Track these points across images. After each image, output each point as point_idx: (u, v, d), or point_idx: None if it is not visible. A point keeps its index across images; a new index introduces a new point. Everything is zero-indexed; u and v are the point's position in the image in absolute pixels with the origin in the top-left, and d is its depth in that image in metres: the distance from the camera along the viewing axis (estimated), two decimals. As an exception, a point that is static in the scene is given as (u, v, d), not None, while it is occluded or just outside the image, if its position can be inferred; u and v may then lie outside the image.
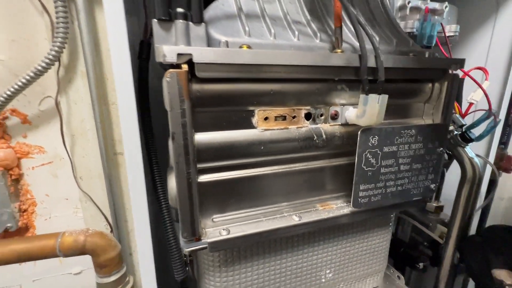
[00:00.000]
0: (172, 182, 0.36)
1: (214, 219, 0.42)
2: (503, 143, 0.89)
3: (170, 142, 0.33)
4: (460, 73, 0.54)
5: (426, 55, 0.47)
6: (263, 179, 0.44)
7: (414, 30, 0.57)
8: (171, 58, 0.31)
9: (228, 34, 0.37)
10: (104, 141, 0.71)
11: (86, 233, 0.60)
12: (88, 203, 0.87)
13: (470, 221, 0.61)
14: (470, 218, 0.61)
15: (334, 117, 0.45)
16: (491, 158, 0.77)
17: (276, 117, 0.42)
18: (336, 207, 0.49)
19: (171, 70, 0.31)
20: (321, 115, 0.45)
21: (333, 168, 0.49)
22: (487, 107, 0.54)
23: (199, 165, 0.39)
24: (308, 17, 0.44)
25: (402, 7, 0.56)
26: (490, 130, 0.52)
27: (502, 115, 0.73)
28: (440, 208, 0.77)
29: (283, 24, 0.42)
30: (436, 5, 0.60)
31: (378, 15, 0.51)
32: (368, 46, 0.40)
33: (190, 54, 0.31)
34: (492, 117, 0.51)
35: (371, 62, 0.41)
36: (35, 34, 0.70)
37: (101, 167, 0.73)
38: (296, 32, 0.41)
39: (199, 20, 0.32)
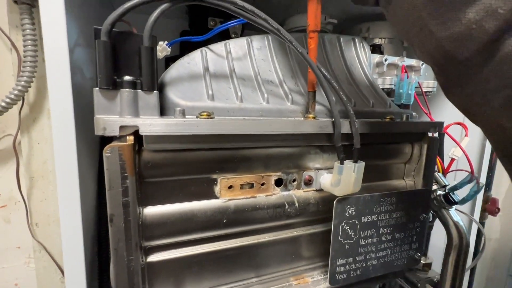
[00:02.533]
0: (111, 269, 0.30)
1: (166, 304, 0.36)
2: (487, 185, 0.88)
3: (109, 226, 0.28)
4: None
5: (404, 118, 0.45)
6: (227, 253, 0.39)
7: (392, 86, 0.56)
8: (112, 131, 0.27)
9: (189, 98, 0.33)
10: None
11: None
12: (42, 252, 0.78)
13: (461, 285, 0.56)
14: (460, 283, 0.56)
15: (308, 182, 0.41)
16: (476, 209, 0.74)
17: (242, 185, 0.37)
18: (311, 281, 0.43)
19: (112, 144, 0.27)
20: (294, 181, 0.41)
21: (307, 237, 0.44)
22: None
23: (149, 243, 0.33)
24: (281, 76, 0.42)
25: (379, 64, 0.56)
26: (473, 195, 0.49)
27: (485, 167, 0.72)
28: (428, 266, 0.71)
29: (253, 84, 0.40)
30: (413, 62, 0.60)
31: (356, 75, 0.50)
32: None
33: (136, 126, 0.27)
34: (475, 181, 0.48)
35: (346, 129, 0.38)
36: (2, 70, 0.67)
37: (60, 212, 0.66)
38: (266, 95, 0.38)
39: (151, 88, 0.28)
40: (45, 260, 0.76)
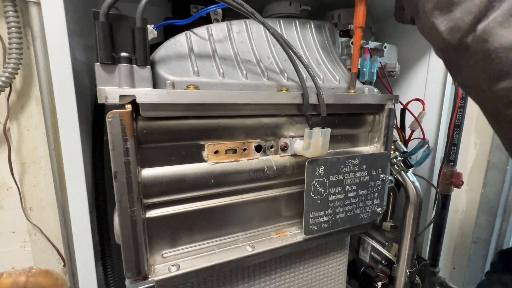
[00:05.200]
0: (116, 220, 0.35)
1: (164, 255, 0.42)
2: (452, 161, 0.98)
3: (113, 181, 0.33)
4: (399, 106, 0.61)
5: (366, 92, 0.52)
6: (215, 211, 0.45)
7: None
8: (113, 99, 0.31)
9: (177, 74, 0.39)
10: (59, 168, 0.67)
11: (28, 273, 0.55)
12: (37, 235, 0.81)
13: (417, 239, 0.65)
14: (417, 236, 0.65)
15: (284, 148, 0.48)
16: (435, 175, 0.84)
17: (226, 150, 0.43)
18: (290, 235, 0.51)
19: (113, 111, 0.32)
20: (271, 147, 0.47)
21: (285, 197, 0.51)
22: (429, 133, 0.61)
23: (147, 201, 0.39)
24: (258, 56, 0.48)
25: (347, 46, 0.63)
26: (425, 157, 0.57)
27: (441, 139, 0.81)
28: (394, 227, 0.81)
29: (233, 63, 0.45)
30: (377, 45, 0.67)
31: (325, 55, 0.57)
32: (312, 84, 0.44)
33: (133, 96, 0.32)
34: (426, 146, 0.57)
35: (314, 100, 0.45)
36: (-13, 59, 0.67)
37: (54, 196, 0.69)
38: (245, 71, 0.44)
39: (144, 63, 0.33)
40: (41, 242, 0.79)
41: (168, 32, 0.55)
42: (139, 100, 0.33)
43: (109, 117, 0.32)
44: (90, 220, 0.40)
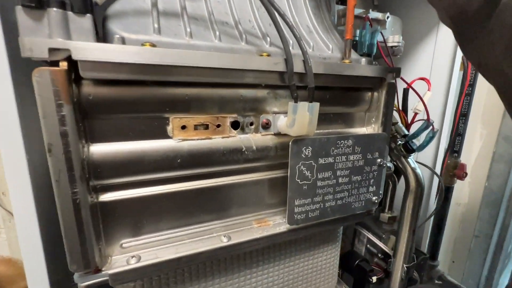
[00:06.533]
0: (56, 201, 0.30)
1: (123, 245, 0.36)
2: (456, 151, 0.92)
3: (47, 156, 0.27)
4: (403, 83, 0.54)
5: (362, 63, 0.45)
6: (186, 196, 0.39)
7: (356, 38, 0.56)
8: (41, 53, 0.25)
9: (132, 31, 0.32)
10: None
11: (-13, 262, 0.50)
12: (12, 221, 0.76)
13: (416, 232, 0.60)
14: (416, 229, 0.60)
15: (266, 126, 0.41)
16: (438, 165, 0.78)
17: (196, 125, 0.37)
18: (273, 224, 0.45)
19: (41, 68, 0.26)
20: (251, 124, 0.41)
21: (268, 182, 0.45)
22: (433, 118, 0.54)
23: (100, 182, 0.33)
24: (237, 18, 0.41)
25: (345, 15, 0.55)
26: (429, 140, 0.51)
27: (446, 124, 0.75)
28: (393, 219, 0.76)
29: (206, 24, 0.38)
30: (379, 15, 0.60)
31: (318, 22, 0.49)
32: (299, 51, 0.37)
33: (68, 50, 0.26)
34: (431, 128, 0.50)
35: (300, 68, 0.38)
36: None
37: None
38: (218, 33, 0.37)
39: (82, 10, 0.27)
40: (15, 229, 0.74)
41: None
42: (76, 56, 0.26)
43: (36, 75, 0.25)
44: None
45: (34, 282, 0.36)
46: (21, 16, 0.25)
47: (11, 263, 0.52)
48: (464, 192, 1.41)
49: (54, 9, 0.26)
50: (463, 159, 0.92)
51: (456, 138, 0.89)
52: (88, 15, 0.27)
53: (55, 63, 0.27)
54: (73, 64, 0.27)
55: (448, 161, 0.90)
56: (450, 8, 0.27)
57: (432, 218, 0.89)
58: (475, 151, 1.34)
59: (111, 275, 0.33)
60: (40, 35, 0.26)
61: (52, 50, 0.25)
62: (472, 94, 0.80)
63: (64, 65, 0.27)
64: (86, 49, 0.27)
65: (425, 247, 0.87)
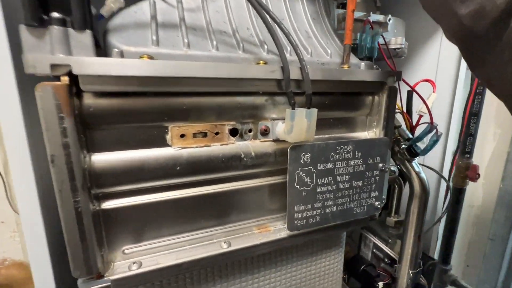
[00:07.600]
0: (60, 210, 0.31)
1: (125, 251, 0.37)
2: (467, 152, 0.89)
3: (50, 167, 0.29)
4: (405, 86, 0.53)
5: (362, 67, 0.45)
6: (186, 203, 0.40)
7: (357, 41, 0.55)
8: (43, 70, 0.26)
9: (131, 43, 0.33)
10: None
11: (0, 265, 0.52)
12: (25, 226, 0.79)
13: (422, 237, 0.58)
14: (422, 234, 0.58)
15: (264, 132, 0.42)
16: (446, 167, 0.76)
17: (194, 133, 0.38)
18: (274, 230, 0.45)
19: (43, 83, 0.27)
20: (250, 131, 0.41)
21: (268, 188, 0.45)
22: (440, 120, 0.53)
23: (102, 190, 0.34)
24: (235, 27, 0.42)
25: (344, 19, 0.55)
26: (433, 144, 0.50)
27: (454, 125, 0.73)
28: (399, 223, 0.74)
29: (204, 34, 0.39)
30: (380, 18, 0.59)
31: (317, 27, 0.49)
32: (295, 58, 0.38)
33: (68, 65, 0.27)
34: (434, 131, 0.49)
35: (298, 75, 0.38)
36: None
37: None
38: (215, 42, 0.38)
39: (82, 26, 0.28)
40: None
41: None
42: (76, 71, 0.27)
43: (38, 91, 0.27)
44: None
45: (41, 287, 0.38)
46: (25, 34, 0.26)
47: (23, 266, 0.53)
48: (477, 194, 1.36)
49: (56, 26, 0.27)
50: (475, 160, 0.89)
51: (467, 138, 0.86)
52: (88, 31, 0.28)
53: (57, 78, 0.28)
54: (74, 78, 0.28)
55: (460, 163, 0.87)
56: (457, 28, 0.26)
57: (442, 221, 0.86)
58: (489, 152, 1.30)
59: (113, 281, 0.34)
60: (42, 52, 0.27)
61: (53, 66, 0.27)
62: (483, 93, 0.78)
63: (65, 79, 0.28)
64: (85, 64, 0.28)
65: (435, 251, 0.85)
